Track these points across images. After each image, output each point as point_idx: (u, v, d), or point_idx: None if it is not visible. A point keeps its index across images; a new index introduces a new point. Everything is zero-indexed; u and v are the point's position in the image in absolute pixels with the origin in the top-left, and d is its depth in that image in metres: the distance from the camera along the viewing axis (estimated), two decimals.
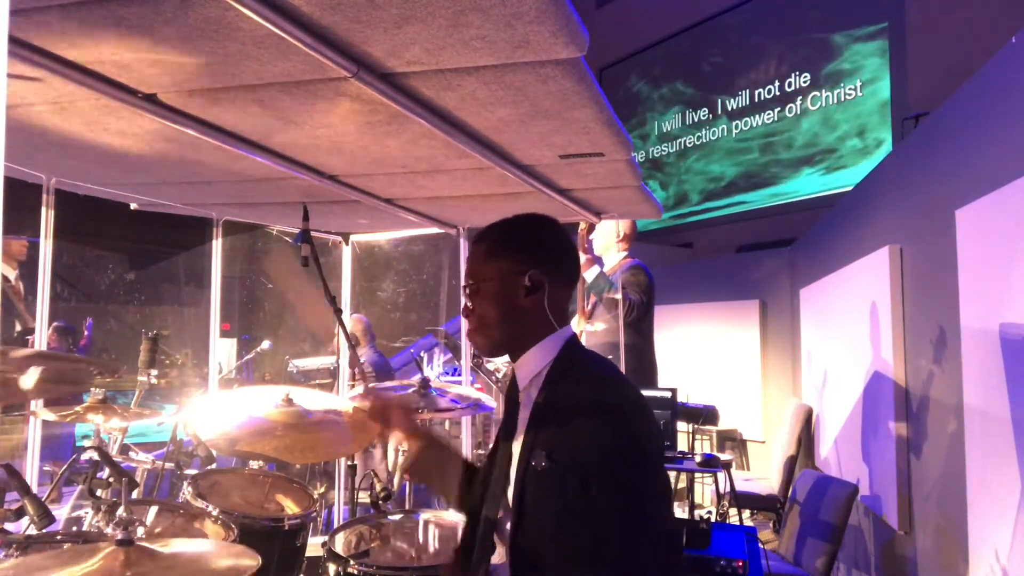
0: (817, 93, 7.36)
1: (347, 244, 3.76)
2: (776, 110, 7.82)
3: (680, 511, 4.85)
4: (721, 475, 3.86)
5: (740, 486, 4.40)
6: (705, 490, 5.81)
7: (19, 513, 1.55)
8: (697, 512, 4.85)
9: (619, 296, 3.77)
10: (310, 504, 2.29)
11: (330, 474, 3.73)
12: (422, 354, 5.94)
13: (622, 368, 3.63)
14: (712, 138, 8.63)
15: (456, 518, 2.16)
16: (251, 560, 1.32)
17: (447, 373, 5.80)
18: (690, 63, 8.99)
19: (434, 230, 3.44)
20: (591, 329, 3.82)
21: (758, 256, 6.64)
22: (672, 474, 4.28)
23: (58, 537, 1.57)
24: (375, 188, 2.64)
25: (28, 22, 1.32)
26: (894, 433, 3.08)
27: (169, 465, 2.71)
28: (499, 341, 1.38)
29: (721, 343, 6.32)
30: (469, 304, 1.39)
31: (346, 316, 3.19)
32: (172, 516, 2.05)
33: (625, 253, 4.07)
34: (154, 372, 2.69)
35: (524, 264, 1.35)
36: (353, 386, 3.71)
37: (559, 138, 1.97)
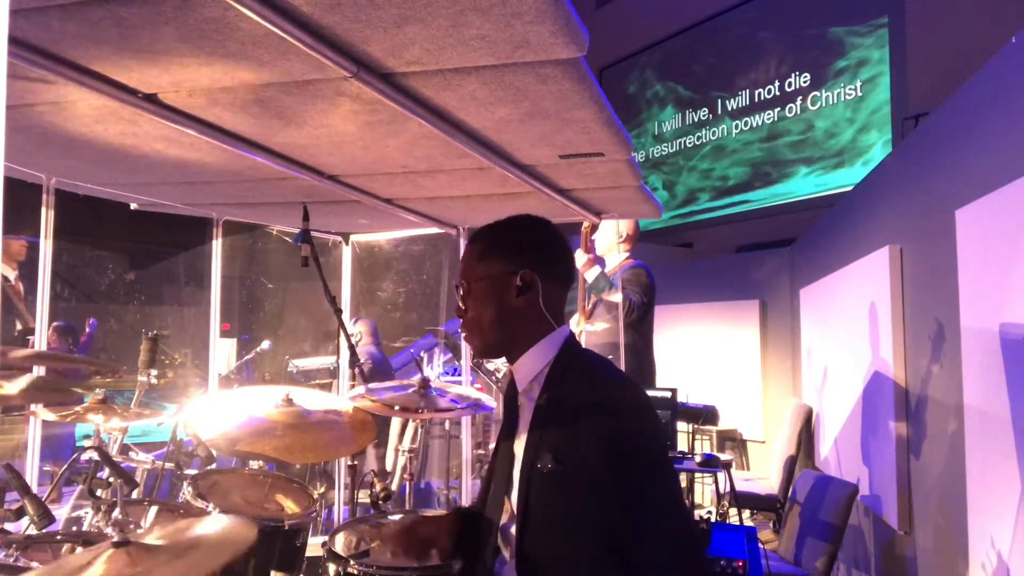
0: (817, 93, 7.36)
1: (347, 244, 3.76)
2: (776, 110, 7.82)
3: None
4: (721, 475, 3.86)
5: (740, 486, 4.40)
6: (705, 490, 5.81)
7: (19, 513, 1.55)
8: (697, 512, 4.85)
9: (619, 297, 3.77)
10: (310, 504, 2.29)
11: (330, 474, 3.73)
12: (422, 354, 5.94)
13: (621, 368, 3.63)
14: (712, 138, 8.63)
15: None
16: (246, 531, 1.30)
17: (447, 373, 5.80)
18: (690, 63, 8.99)
19: (434, 230, 3.44)
20: (591, 329, 3.82)
21: (758, 256, 6.64)
22: None
23: (58, 537, 1.57)
24: (375, 188, 2.64)
25: (28, 22, 1.32)
26: (894, 433, 3.08)
27: (169, 465, 2.71)
28: (493, 342, 1.38)
29: (721, 343, 6.32)
30: (462, 305, 1.39)
31: (346, 316, 3.19)
32: (172, 516, 2.04)
33: (627, 254, 4.07)
34: (154, 372, 2.68)
35: (516, 264, 1.34)
36: (353, 386, 3.71)
37: (559, 138, 1.97)
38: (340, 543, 1.99)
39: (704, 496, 5.86)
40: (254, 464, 2.55)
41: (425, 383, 2.34)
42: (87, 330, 6.29)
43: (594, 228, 3.73)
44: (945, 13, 6.05)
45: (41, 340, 2.57)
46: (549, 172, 2.38)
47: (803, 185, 7.51)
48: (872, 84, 6.83)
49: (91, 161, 2.31)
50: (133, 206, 3.08)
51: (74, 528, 2.16)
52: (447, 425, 4.99)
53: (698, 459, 3.59)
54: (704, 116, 8.78)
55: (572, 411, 1.28)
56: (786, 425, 4.85)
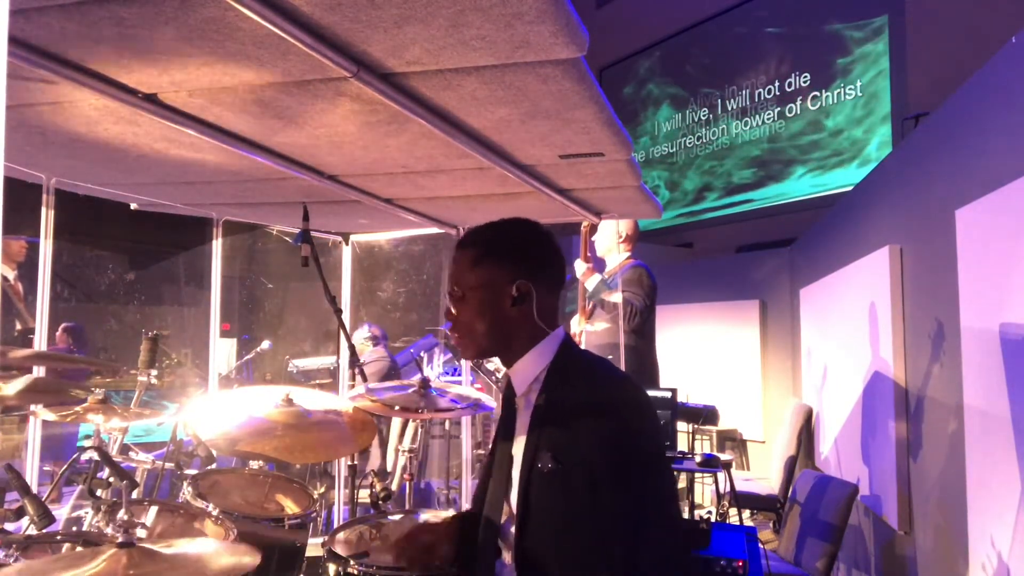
0: (817, 93, 7.35)
1: (347, 244, 3.75)
2: (776, 110, 7.82)
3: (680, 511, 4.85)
4: (721, 475, 3.86)
5: (740, 486, 4.40)
6: (705, 490, 5.80)
7: (19, 513, 1.55)
8: (697, 512, 4.85)
9: (618, 297, 3.77)
10: (310, 504, 2.29)
11: (330, 474, 3.73)
12: (422, 354, 5.93)
13: (621, 369, 3.63)
14: (712, 138, 8.63)
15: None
16: (251, 558, 1.32)
17: (447, 373, 5.80)
18: (690, 63, 8.99)
19: (434, 230, 3.44)
20: (591, 329, 3.82)
21: (758, 256, 6.63)
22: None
23: (58, 537, 1.57)
24: (375, 188, 2.64)
25: (28, 22, 1.32)
26: (894, 433, 3.08)
27: (169, 465, 2.71)
28: (486, 347, 1.37)
29: (721, 343, 6.32)
30: (453, 311, 1.38)
31: (346, 316, 3.19)
32: (172, 516, 2.04)
33: (628, 254, 4.07)
34: (154, 372, 2.68)
35: (511, 273, 1.33)
36: (353, 386, 3.71)
37: (559, 138, 1.97)
38: (340, 543, 1.99)
39: (704, 496, 5.86)
40: (254, 464, 2.55)
41: (425, 383, 2.34)
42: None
43: (592, 230, 3.74)
44: (945, 13, 6.05)
45: (41, 340, 2.56)
46: (549, 172, 2.38)
47: (803, 185, 7.51)
48: (872, 84, 6.83)
49: (91, 161, 2.31)
50: (133, 206, 3.08)
51: (74, 528, 2.17)
52: (447, 425, 4.99)
53: (698, 459, 3.59)
54: (704, 116, 8.78)
55: (571, 411, 1.28)
56: (786, 425, 4.85)
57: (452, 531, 1.50)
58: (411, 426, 3.49)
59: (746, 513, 4.66)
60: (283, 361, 5.99)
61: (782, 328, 5.98)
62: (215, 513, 1.99)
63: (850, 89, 7.03)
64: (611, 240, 4.05)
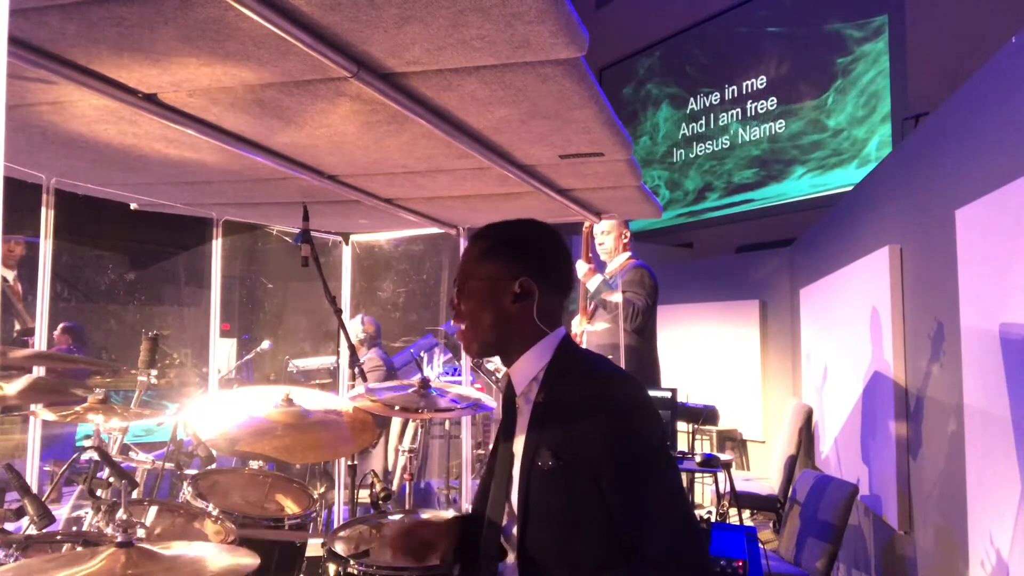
0: (817, 93, 7.36)
1: (347, 244, 3.75)
2: (776, 110, 7.82)
3: None
4: (721, 475, 3.86)
5: (740, 486, 4.40)
6: (705, 490, 5.80)
7: (19, 513, 1.55)
8: (697, 512, 4.84)
9: (619, 297, 3.77)
10: (310, 504, 2.29)
11: (330, 474, 3.73)
12: (422, 354, 5.93)
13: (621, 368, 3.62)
14: (712, 138, 8.63)
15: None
16: (251, 559, 1.32)
17: (447, 373, 5.80)
18: (690, 63, 8.99)
19: (434, 230, 3.44)
20: (592, 330, 3.82)
21: (758, 256, 6.64)
22: None
23: (58, 537, 1.57)
24: (375, 188, 2.64)
25: (28, 22, 1.32)
26: (894, 433, 3.08)
27: (169, 465, 2.71)
28: (486, 342, 1.38)
29: (721, 343, 6.33)
30: (456, 300, 1.39)
31: (346, 316, 3.19)
32: (172, 516, 2.04)
33: (628, 253, 4.07)
34: (154, 372, 2.68)
35: (516, 270, 1.35)
36: (353, 386, 3.71)
37: (559, 138, 1.97)
38: (340, 543, 1.99)
39: (704, 496, 5.86)
40: (254, 464, 2.56)
41: (425, 383, 2.34)
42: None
43: (591, 236, 3.75)
44: (945, 13, 6.05)
45: (41, 340, 2.57)
46: (549, 172, 2.38)
47: (803, 185, 7.51)
48: (872, 84, 6.83)
49: (91, 161, 2.31)
50: (133, 206, 3.08)
51: (74, 528, 2.17)
52: (447, 425, 4.99)
53: (698, 459, 3.59)
54: (704, 116, 8.78)
55: (571, 408, 1.28)
56: (786, 425, 4.85)
57: (453, 530, 1.50)
58: (411, 426, 3.49)
59: (746, 513, 4.66)
60: (283, 361, 5.99)
61: (782, 328, 5.99)
62: (215, 513, 2.00)
63: (850, 89, 7.03)
64: (614, 243, 4.05)
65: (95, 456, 1.69)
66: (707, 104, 8.74)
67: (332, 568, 1.83)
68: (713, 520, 3.10)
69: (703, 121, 8.79)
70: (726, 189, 8.42)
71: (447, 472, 4.97)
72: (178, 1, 1.23)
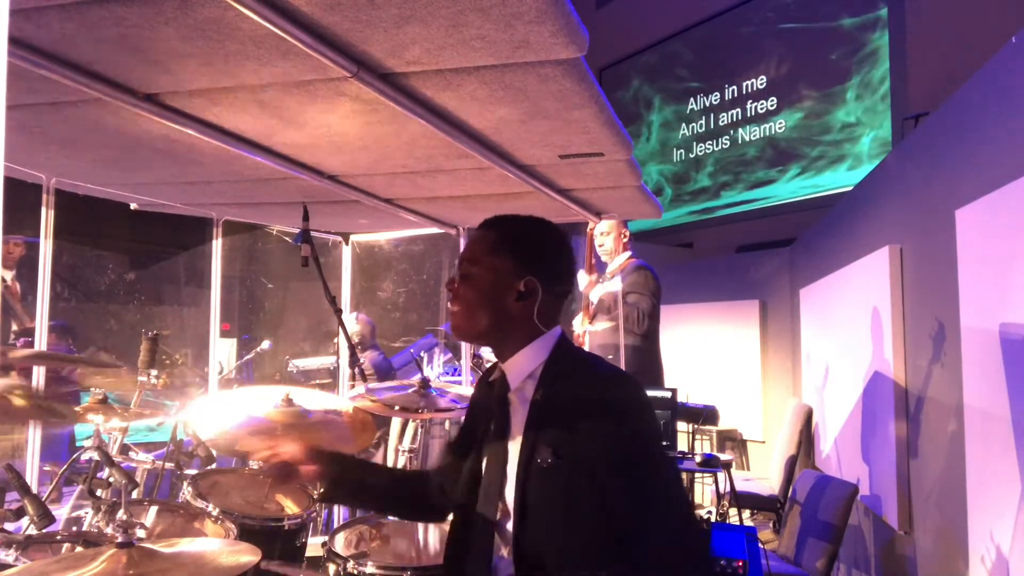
0: (817, 93, 7.35)
1: (347, 244, 3.76)
2: (776, 110, 7.82)
3: None
4: (721, 475, 3.86)
5: (740, 486, 4.40)
6: (705, 490, 5.80)
7: (19, 513, 1.55)
8: (697, 512, 4.85)
9: (618, 286, 3.75)
10: (310, 504, 2.29)
11: None
12: (422, 354, 5.93)
13: (623, 368, 3.62)
14: (712, 138, 8.63)
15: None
16: (251, 558, 1.32)
17: (447, 373, 5.79)
18: (690, 63, 8.99)
19: (434, 230, 3.44)
20: (593, 329, 3.81)
21: (758, 256, 6.63)
22: None
23: (58, 537, 1.57)
24: (375, 188, 2.64)
25: (28, 22, 1.32)
26: (894, 433, 3.08)
27: (169, 465, 2.70)
28: (479, 331, 1.38)
29: (721, 343, 6.32)
30: (456, 284, 1.39)
31: (346, 316, 3.19)
32: (172, 516, 2.04)
33: (628, 253, 4.06)
34: (154, 372, 2.68)
35: (523, 268, 1.35)
36: (353, 386, 3.71)
37: (559, 138, 1.97)
38: (340, 543, 1.99)
39: (704, 496, 5.86)
40: (254, 464, 2.55)
41: (425, 383, 2.34)
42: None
43: (592, 242, 3.74)
44: (945, 13, 6.05)
45: (41, 341, 2.56)
46: (549, 172, 2.38)
47: (803, 185, 7.51)
48: (872, 84, 6.83)
49: (91, 161, 2.31)
50: (133, 206, 3.08)
51: (74, 528, 2.16)
52: (447, 425, 4.98)
53: (698, 459, 3.59)
54: (703, 116, 8.78)
55: (570, 406, 1.29)
56: (786, 425, 4.85)
57: (328, 460, 1.48)
58: (411, 426, 3.48)
59: (746, 513, 4.66)
60: (283, 361, 5.98)
61: (782, 328, 5.98)
62: (215, 513, 2.00)
63: (850, 89, 7.03)
64: (615, 243, 4.03)
65: (95, 456, 1.70)
66: (707, 104, 8.74)
67: (332, 568, 1.83)
68: (713, 520, 3.10)
69: (703, 121, 8.79)
70: (727, 189, 8.42)
71: None
72: (178, 1, 1.23)
